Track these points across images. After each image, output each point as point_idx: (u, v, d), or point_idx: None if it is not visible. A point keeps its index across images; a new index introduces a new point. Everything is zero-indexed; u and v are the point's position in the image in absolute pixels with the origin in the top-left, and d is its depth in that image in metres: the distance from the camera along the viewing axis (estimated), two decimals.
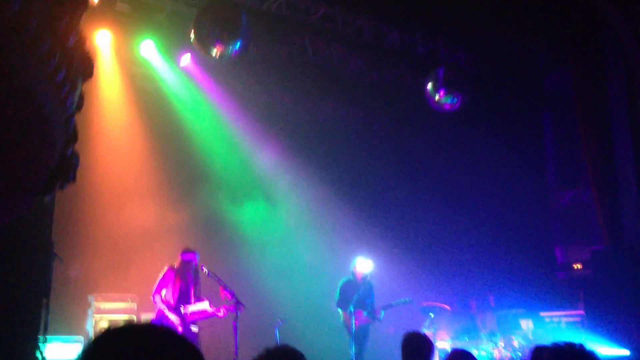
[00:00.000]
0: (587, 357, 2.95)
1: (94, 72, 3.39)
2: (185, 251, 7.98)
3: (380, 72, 11.87)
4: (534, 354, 3.98)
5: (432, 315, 9.72)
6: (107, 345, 1.29)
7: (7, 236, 4.30)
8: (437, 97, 10.59)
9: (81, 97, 3.43)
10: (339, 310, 9.15)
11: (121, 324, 1.35)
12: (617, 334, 9.17)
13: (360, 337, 8.99)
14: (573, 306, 10.75)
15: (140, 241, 9.57)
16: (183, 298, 7.83)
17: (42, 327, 5.14)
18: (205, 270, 7.89)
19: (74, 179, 3.42)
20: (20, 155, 2.40)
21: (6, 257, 4.48)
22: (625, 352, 8.99)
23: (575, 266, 11.78)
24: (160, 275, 7.84)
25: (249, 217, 10.81)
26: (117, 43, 9.87)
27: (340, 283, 9.31)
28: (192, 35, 8.64)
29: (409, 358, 4.60)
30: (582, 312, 10.24)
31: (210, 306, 7.81)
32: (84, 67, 3.20)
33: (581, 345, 3.05)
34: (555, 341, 3.19)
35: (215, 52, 8.76)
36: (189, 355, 1.32)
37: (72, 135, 2.88)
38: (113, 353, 1.26)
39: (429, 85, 10.70)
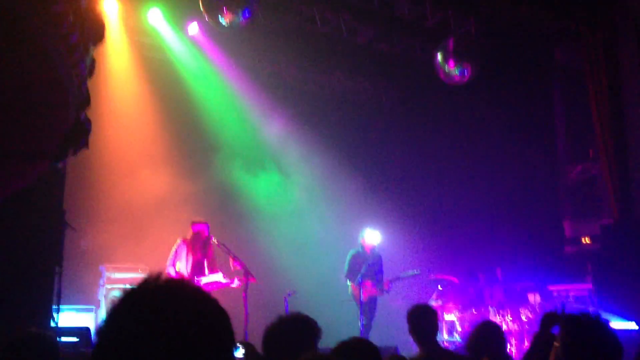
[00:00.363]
0: (602, 327, 2.93)
1: (104, 38, 3.35)
2: (196, 222, 8.00)
3: (390, 42, 11.73)
4: (544, 320, 3.96)
5: (440, 288, 9.74)
6: (140, 304, 1.27)
7: (19, 203, 4.29)
8: (446, 68, 10.45)
9: (93, 62, 3.39)
10: (348, 282, 9.17)
11: (155, 279, 1.31)
12: (624, 308, 9.16)
13: (368, 309, 9.03)
14: (581, 280, 10.74)
15: (152, 211, 9.59)
16: (196, 270, 7.88)
17: (55, 294, 5.16)
18: (215, 240, 7.91)
19: (86, 145, 3.39)
20: (35, 117, 2.36)
21: (19, 225, 4.49)
22: (633, 326, 9.00)
23: (583, 240, 11.73)
24: (174, 248, 7.89)
25: (259, 187, 10.81)
26: (125, 12, 9.77)
27: (348, 255, 9.32)
28: (200, 3, 8.52)
29: (416, 329, 4.63)
30: (589, 285, 10.23)
31: (224, 277, 7.86)
32: (96, 30, 3.15)
33: (597, 315, 3.03)
34: (570, 310, 3.18)
35: (223, 20, 8.65)
36: (219, 315, 1.30)
37: (85, 100, 2.85)
38: (147, 311, 1.24)
39: (439, 56, 10.55)
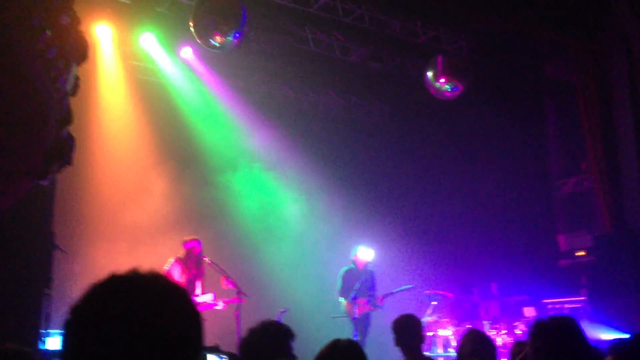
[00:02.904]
0: (569, 329, 3.05)
1: (89, 58, 3.42)
2: (187, 240, 8.01)
3: (382, 61, 11.86)
4: (534, 327, 4.05)
5: (435, 303, 9.73)
6: (108, 294, 1.26)
7: (6, 223, 4.33)
8: (437, 85, 10.56)
9: (76, 80, 3.46)
10: (341, 298, 9.18)
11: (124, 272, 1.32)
12: (618, 319, 9.16)
13: (362, 326, 9.02)
14: (576, 293, 10.74)
15: (144, 232, 9.61)
16: (190, 289, 7.85)
17: (43, 318, 5.14)
18: (207, 259, 7.92)
19: (70, 162, 3.45)
20: (13, 133, 2.43)
21: (6, 245, 4.51)
22: (627, 337, 8.98)
23: (577, 253, 11.75)
24: (166, 267, 7.83)
25: (251, 206, 10.85)
26: (118, 36, 9.90)
27: (341, 272, 9.34)
28: (191, 26, 8.65)
29: (401, 338, 4.68)
30: (584, 298, 10.23)
31: (214, 298, 7.84)
32: (78, 49, 3.23)
33: (565, 318, 3.16)
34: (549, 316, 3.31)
35: (214, 42, 8.76)
36: (188, 311, 1.30)
37: (66, 116, 2.91)
38: (116, 302, 1.24)
39: (429, 73, 10.67)
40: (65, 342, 1.23)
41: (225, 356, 4.09)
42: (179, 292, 1.30)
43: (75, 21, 3.06)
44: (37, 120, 2.71)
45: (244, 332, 3.65)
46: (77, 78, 3.31)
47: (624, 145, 10.79)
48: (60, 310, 6.21)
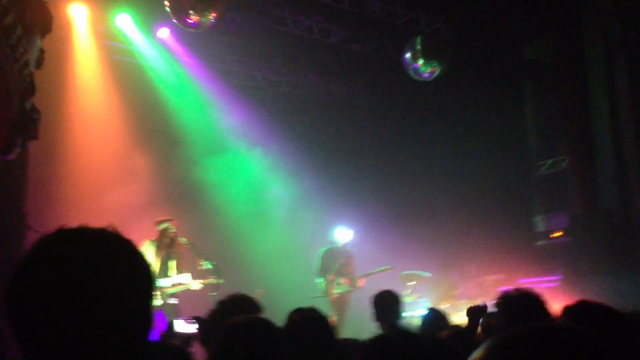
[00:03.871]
0: (531, 298, 3.16)
1: (52, 29, 3.36)
2: (161, 220, 7.96)
3: (361, 42, 11.83)
4: (471, 313, 4.22)
5: (414, 283, 9.80)
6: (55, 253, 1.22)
7: None
8: (416, 66, 10.57)
9: (41, 53, 3.41)
10: (320, 278, 9.22)
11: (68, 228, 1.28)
12: (593, 298, 9.30)
13: (340, 306, 9.07)
14: (553, 273, 10.88)
15: (120, 215, 9.52)
16: (165, 270, 7.82)
17: None
18: (184, 239, 7.88)
19: (36, 136, 3.40)
20: None
21: None
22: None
23: (554, 234, 11.90)
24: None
25: (231, 187, 10.81)
26: (93, 16, 9.76)
27: (320, 252, 9.37)
28: (167, 5, 8.53)
29: (379, 313, 4.74)
30: (560, 277, 10.37)
31: (192, 279, 7.81)
32: (41, 20, 3.17)
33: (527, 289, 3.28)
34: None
35: (190, 22, 8.66)
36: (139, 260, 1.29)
37: (29, 87, 2.86)
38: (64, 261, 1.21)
39: (408, 55, 10.66)
40: (12, 295, 1.20)
41: (192, 320, 4.14)
42: (126, 243, 1.29)
43: None
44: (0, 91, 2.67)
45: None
46: (41, 51, 3.26)
47: (599, 127, 10.92)
48: None
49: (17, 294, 1.20)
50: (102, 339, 1.19)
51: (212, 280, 7.63)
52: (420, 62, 10.56)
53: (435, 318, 4.74)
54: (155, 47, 10.54)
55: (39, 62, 3.19)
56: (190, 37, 10.25)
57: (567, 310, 2.72)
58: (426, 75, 10.71)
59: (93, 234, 1.27)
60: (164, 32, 10.38)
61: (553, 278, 10.34)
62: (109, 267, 1.22)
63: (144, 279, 1.28)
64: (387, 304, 4.82)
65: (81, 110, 9.69)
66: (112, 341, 1.20)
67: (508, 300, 3.28)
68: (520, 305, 3.27)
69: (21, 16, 2.54)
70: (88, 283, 1.19)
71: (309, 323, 3.17)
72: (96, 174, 9.60)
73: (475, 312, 4.19)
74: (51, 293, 1.17)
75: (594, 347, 0.94)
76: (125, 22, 9.99)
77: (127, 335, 1.22)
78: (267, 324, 2.58)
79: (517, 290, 3.33)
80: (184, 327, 4.71)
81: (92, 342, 1.18)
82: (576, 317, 2.60)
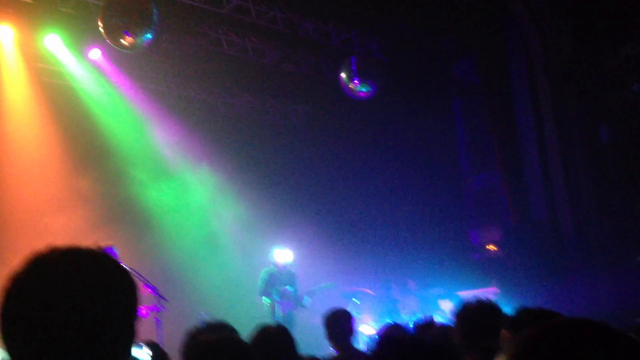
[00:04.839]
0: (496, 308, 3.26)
1: None
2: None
3: (296, 62, 11.95)
4: (418, 329, 4.32)
5: (356, 301, 9.89)
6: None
7: None
8: (351, 86, 10.77)
9: None
10: (264, 298, 9.17)
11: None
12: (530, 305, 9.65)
13: (286, 325, 9.02)
14: (487, 285, 11.22)
15: (53, 237, 9.16)
16: None
17: None
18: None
19: None
20: None
21: None
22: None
23: (488, 247, 12.29)
24: None
25: (168, 210, 10.63)
26: (21, 38, 9.44)
27: (262, 273, 9.33)
28: (100, 25, 8.36)
29: (332, 332, 4.77)
30: (495, 289, 10.70)
31: None
32: None
33: (488, 300, 3.37)
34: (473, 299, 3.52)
35: (124, 43, 8.52)
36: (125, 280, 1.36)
37: None
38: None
39: (343, 75, 10.86)
40: (4, 308, 1.25)
41: (146, 346, 4.03)
42: (113, 262, 1.37)
43: None
44: None
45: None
46: None
47: (525, 142, 11.42)
48: None
49: (8, 308, 1.26)
50: (92, 351, 1.24)
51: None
52: (356, 82, 10.78)
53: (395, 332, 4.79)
54: (86, 69, 10.27)
55: None
56: (123, 58, 10.06)
57: (512, 320, 2.84)
58: (362, 94, 10.94)
59: (83, 253, 1.34)
60: (96, 53, 10.14)
61: (489, 289, 10.66)
62: (98, 284, 1.29)
63: (131, 295, 1.35)
64: (339, 323, 4.85)
65: (10, 134, 9.31)
66: (101, 354, 1.26)
67: (470, 311, 3.36)
68: (480, 316, 3.36)
69: None
70: (79, 299, 1.25)
71: (275, 339, 3.18)
72: (32, 199, 9.23)
73: (422, 328, 4.29)
74: (42, 307, 1.23)
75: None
76: (54, 43, 9.70)
77: (114, 348, 1.29)
78: (239, 342, 2.57)
79: (478, 301, 3.43)
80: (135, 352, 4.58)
81: (81, 354, 1.23)
82: (523, 324, 2.71)
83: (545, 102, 11.05)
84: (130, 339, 1.33)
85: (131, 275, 1.38)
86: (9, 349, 1.25)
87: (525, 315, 3.06)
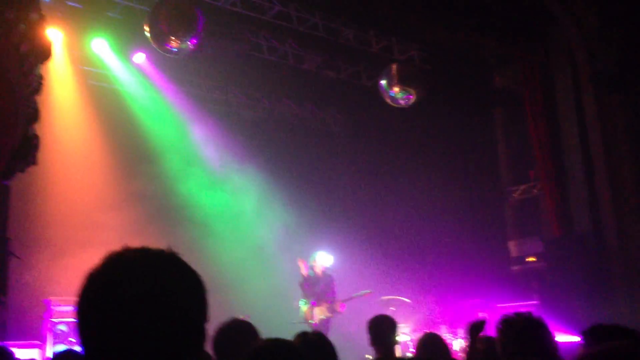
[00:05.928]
0: (533, 324, 3.19)
1: (51, 55, 3.32)
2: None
3: (336, 69, 11.95)
4: (471, 329, 4.26)
5: (393, 309, 9.80)
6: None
7: None
8: (391, 93, 10.72)
9: (40, 79, 3.35)
10: (300, 304, 9.15)
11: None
12: (570, 322, 9.43)
13: (321, 331, 8.98)
14: (528, 298, 11.00)
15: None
16: None
17: None
18: None
19: (35, 161, 3.33)
20: None
21: None
22: (579, 339, 9.25)
23: (528, 259, 12.06)
24: None
25: (208, 212, 10.71)
26: (69, 41, 9.66)
27: (301, 278, 9.31)
28: (146, 31, 8.51)
29: (376, 338, 4.75)
30: (536, 302, 10.49)
31: None
32: (43, 47, 3.13)
33: (530, 313, 3.31)
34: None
35: (169, 48, 8.65)
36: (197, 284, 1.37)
37: (34, 113, 2.81)
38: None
39: (383, 82, 10.82)
40: (81, 306, 1.29)
41: None
42: (184, 264, 1.38)
43: (42, 19, 2.96)
44: (10, 118, 2.61)
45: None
46: (41, 77, 3.21)
47: (569, 153, 11.18)
48: (10, 320, 5.95)
49: (86, 305, 1.29)
50: (164, 348, 1.26)
51: None
52: (396, 89, 10.73)
53: (432, 342, 4.74)
54: (131, 72, 10.45)
55: (38, 88, 3.14)
56: (165, 62, 10.22)
57: (586, 333, 2.75)
58: (402, 102, 10.88)
59: (156, 253, 1.36)
60: (140, 57, 10.32)
61: (529, 303, 10.45)
62: (172, 283, 1.31)
63: (201, 295, 1.36)
64: (382, 329, 4.82)
65: (60, 134, 9.52)
66: (173, 352, 1.27)
67: (511, 325, 3.29)
68: (524, 330, 3.29)
69: (33, 44, 2.51)
70: (154, 298, 1.27)
71: (315, 345, 3.16)
72: (78, 199, 9.43)
73: (475, 328, 4.24)
74: (119, 305, 1.26)
75: None
76: (101, 47, 9.90)
77: (186, 349, 1.30)
78: (292, 346, 2.56)
79: (519, 314, 3.36)
80: None
81: (154, 353, 1.25)
82: (598, 338, 2.63)
83: (590, 112, 10.80)
84: (201, 340, 1.34)
85: (200, 277, 1.38)
86: (85, 344, 1.27)
87: (599, 331, 2.98)
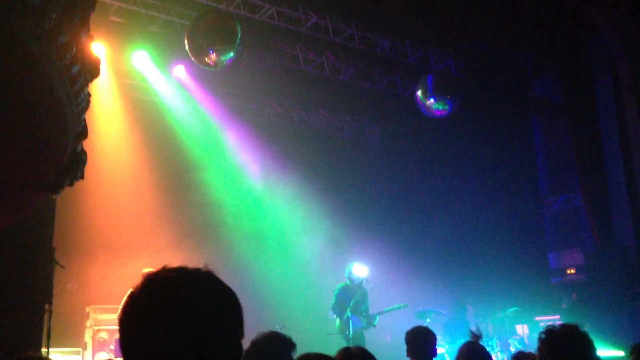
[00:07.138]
0: (576, 337, 3.14)
1: (99, 73, 3.44)
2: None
3: (372, 79, 11.98)
4: (547, 334, 4.16)
5: (429, 320, 9.73)
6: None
7: (11, 239, 4.31)
8: (427, 104, 10.69)
9: (88, 96, 3.48)
10: (335, 316, 9.16)
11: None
12: (611, 335, 9.23)
13: (356, 343, 8.98)
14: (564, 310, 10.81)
15: (137, 250, 9.52)
16: None
17: (44, 333, 5.11)
18: None
19: (82, 176, 3.45)
20: (36, 146, 2.44)
21: (10, 261, 4.48)
22: (620, 353, 9.05)
23: (568, 271, 11.86)
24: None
25: (245, 225, 10.83)
26: (111, 55, 9.90)
27: (336, 289, 9.32)
28: (187, 44, 8.69)
29: (414, 349, 4.75)
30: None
31: None
32: (92, 65, 3.25)
33: (576, 327, 3.25)
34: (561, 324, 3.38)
35: (209, 61, 8.82)
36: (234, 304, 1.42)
37: (82, 131, 2.92)
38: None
39: (419, 92, 10.80)
40: (125, 323, 1.36)
41: None
42: (220, 282, 1.43)
43: (91, 39, 3.09)
44: (60, 134, 2.73)
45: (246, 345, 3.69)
46: (89, 95, 3.33)
47: (611, 164, 10.96)
48: (54, 328, 6.10)
49: (127, 322, 1.36)
50: None
51: None
52: (432, 100, 10.70)
53: (473, 352, 4.67)
54: (171, 84, 10.67)
55: (87, 106, 3.27)
56: (204, 75, 10.40)
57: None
58: (438, 113, 10.83)
59: (192, 273, 1.41)
60: (180, 70, 10.53)
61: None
62: (209, 302, 1.37)
63: (236, 312, 1.42)
64: (421, 340, 4.82)
65: (103, 147, 9.76)
66: None
67: (554, 337, 3.23)
68: (567, 343, 3.22)
69: (83, 65, 2.63)
70: (191, 316, 1.33)
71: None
72: (113, 211, 9.64)
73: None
74: (158, 322, 1.32)
75: None
76: (142, 60, 10.14)
77: None
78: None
79: (563, 326, 3.29)
80: None
81: None
82: None
83: (633, 122, 10.59)
84: (236, 355, 1.39)
85: (236, 295, 1.43)
86: (126, 357, 1.34)
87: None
